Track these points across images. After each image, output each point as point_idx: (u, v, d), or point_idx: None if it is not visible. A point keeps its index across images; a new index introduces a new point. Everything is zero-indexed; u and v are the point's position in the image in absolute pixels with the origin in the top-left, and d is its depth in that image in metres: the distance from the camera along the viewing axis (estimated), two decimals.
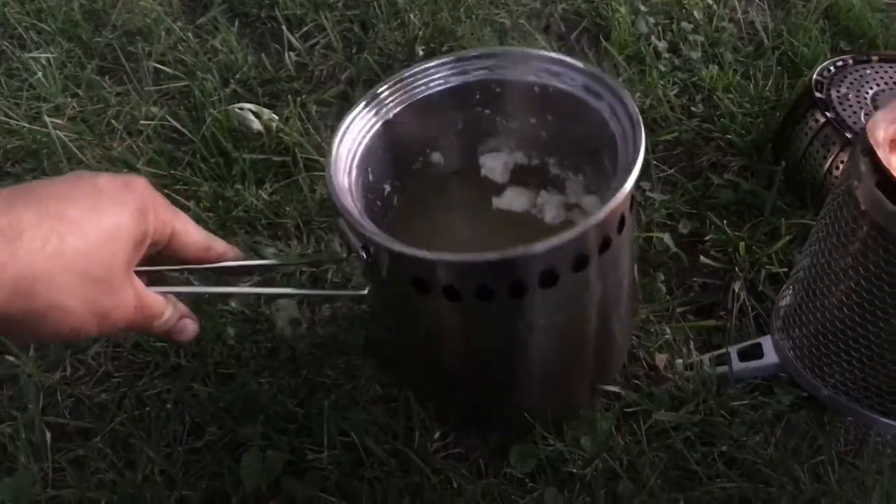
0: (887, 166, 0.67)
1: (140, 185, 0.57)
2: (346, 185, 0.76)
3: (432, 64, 0.84)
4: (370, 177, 0.81)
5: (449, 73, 0.84)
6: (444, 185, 0.92)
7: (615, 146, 0.76)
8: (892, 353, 0.77)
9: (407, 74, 0.83)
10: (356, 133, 0.80)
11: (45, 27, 1.25)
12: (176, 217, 0.61)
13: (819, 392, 0.85)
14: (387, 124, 0.82)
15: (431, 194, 0.91)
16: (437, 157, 0.90)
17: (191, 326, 0.65)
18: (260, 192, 1.05)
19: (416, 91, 0.83)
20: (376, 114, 0.81)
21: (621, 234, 0.74)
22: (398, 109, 0.83)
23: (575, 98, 0.82)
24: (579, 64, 0.81)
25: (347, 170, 0.78)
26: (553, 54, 0.85)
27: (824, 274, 0.79)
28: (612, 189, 0.70)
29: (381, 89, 0.82)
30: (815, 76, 1.03)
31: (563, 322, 0.77)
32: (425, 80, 0.84)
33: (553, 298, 0.72)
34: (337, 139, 0.78)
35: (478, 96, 0.86)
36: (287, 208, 1.04)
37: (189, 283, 0.80)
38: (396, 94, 0.83)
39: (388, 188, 0.86)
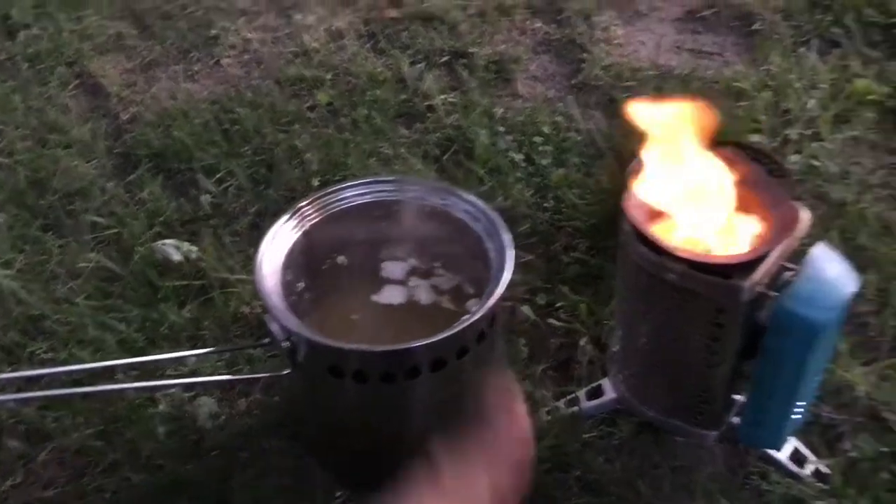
0: (636, 219, 0.88)
1: None
2: (272, 285, 0.95)
3: (345, 185, 1.06)
4: (288, 276, 1.01)
5: (358, 193, 1.06)
6: (350, 283, 1.11)
7: (488, 259, 0.97)
8: (693, 376, 0.95)
9: (328, 191, 1.04)
10: (280, 241, 1.00)
11: None
12: None
13: (647, 415, 1.03)
14: (305, 233, 1.02)
15: (338, 290, 1.10)
16: (342, 259, 1.10)
17: None
18: (182, 311, 1.23)
19: (334, 206, 1.05)
20: (297, 225, 1.02)
21: (493, 328, 0.95)
22: (316, 221, 1.03)
23: (458, 219, 1.04)
24: (463, 193, 1.03)
25: (272, 272, 0.97)
26: (441, 184, 1.08)
27: (630, 319, 0.99)
28: (486, 295, 0.91)
29: (302, 204, 1.02)
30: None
31: (446, 397, 0.96)
32: (343, 196, 1.05)
33: (440, 380, 0.92)
34: (264, 247, 0.97)
35: (380, 213, 1.07)
36: (206, 322, 1.22)
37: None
38: (317, 208, 1.03)
39: (301, 285, 1.05)
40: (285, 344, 0.90)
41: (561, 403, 1.09)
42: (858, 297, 1.17)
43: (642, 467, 1.02)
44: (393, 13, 1.83)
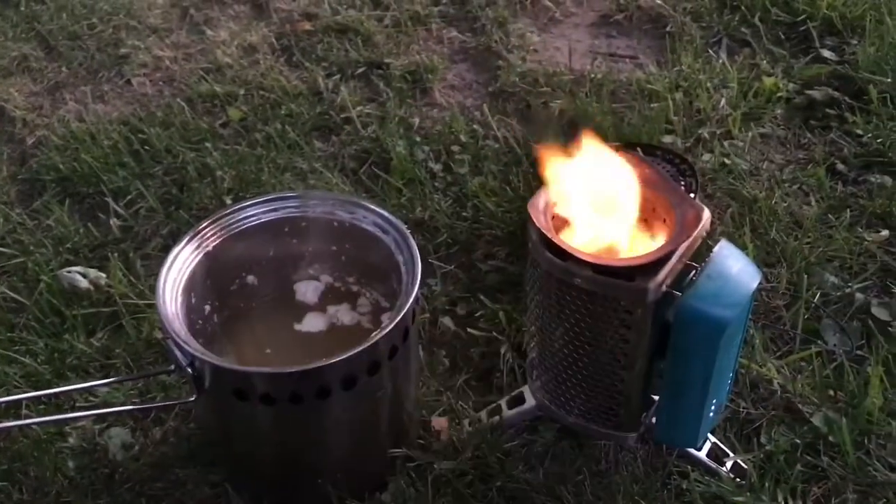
0: (540, 226, 0.88)
1: None
2: (174, 310, 0.92)
3: (247, 203, 1.03)
4: (193, 300, 0.98)
5: (264, 210, 1.04)
6: (260, 304, 1.08)
7: (400, 272, 0.96)
8: (608, 379, 0.95)
9: (227, 212, 1.01)
10: (181, 264, 0.97)
11: None
12: None
13: (567, 421, 1.02)
14: (207, 255, 0.99)
15: (248, 312, 1.07)
16: (251, 279, 1.07)
17: None
18: (91, 340, 1.19)
19: (233, 226, 1.02)
20: (198, 247, 0.99)
21: (406, 342, 0.93)
22: (217, 242, 1.00)
23: (367, 232, 1.02)
24: (370, 205, 1.02)
25: (174, 297, 0.94)
26: (349, 197, 1.06)
27: (544, 325, 0.98)
28: (397, 308, 0.89)
29: (202, 226, 1.00)
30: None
31: (361, 415, 0.94)
32: (243, 216, 1.02)
33: (353, 397, 0.90)
34: (164, 271, 0.94)
35: (287, 230, 1.05)
36: (117, 350, 1.18)
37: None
38: (216, 230, 1.01)
39: (208, 308, 1.02)
40: (188, 370, 0.87)
41: (483, 414, 1.08)
42: (771, 291, 1.21)
43: (564, 473, 1.02)
44: (307, 26, 1.81)
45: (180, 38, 1.83)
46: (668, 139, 1.45)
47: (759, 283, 0.87)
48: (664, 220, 0.92)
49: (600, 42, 1.80)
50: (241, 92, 1.63)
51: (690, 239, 0.87)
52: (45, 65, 1.77)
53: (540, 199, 0.92)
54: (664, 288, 0.85)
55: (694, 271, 0.88)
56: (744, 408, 1.08)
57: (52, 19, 1.88)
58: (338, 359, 0.84)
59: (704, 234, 0.90)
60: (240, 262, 1.03)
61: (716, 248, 0.88)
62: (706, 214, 0.89)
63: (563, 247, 0.87)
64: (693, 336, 0.86)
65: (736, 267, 0.87)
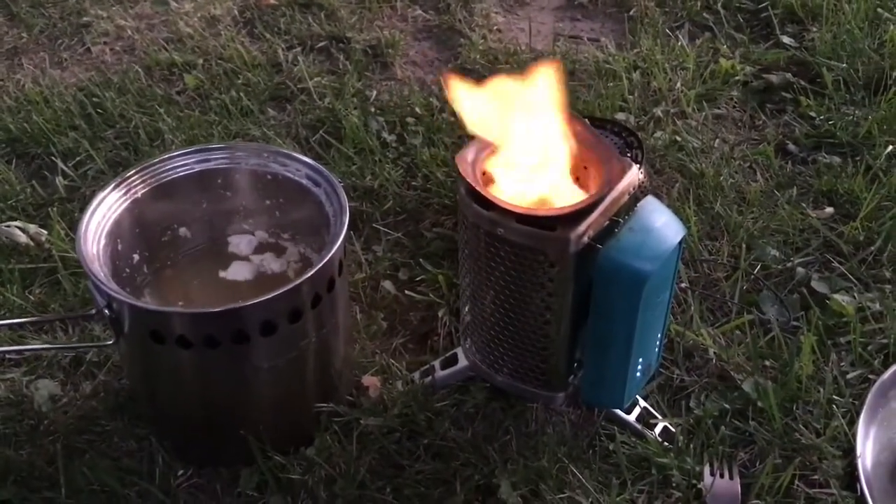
0: (467, 176, 0.88)
1: None
2: (95, 252, 0.91)
3: (177, 153, 1.02)
4: (119, 247, 0.96)
5: (193, 161, 1.02)
6: (192, 256, 1.07)
7: (329, 224, 0.95)
8: (534, 337, 0.94)
9: (154, 161, 1.00)
10: (105, 209, 0.96)
11: None
12: None
13: (497, 381, 1.02)
14: (135, 202, 0.98)
15: (178, 263, 1.07)
16: (183, 231, 1.06)
17: None
18: (27, 294, 1.18)
19: (162, 175, 1.01)
20: (125, 193, 0.98)
21: (332, 292, 0.92)
22: (146, 190, 0.99)
23: (300, 185, 1.01)
24: (303, 157, 1.01)
25: (96, 240, 0.93)
26: (282, 149, 1.05)
27: (475, 284, 0.97)
28: (320, 256, 0.88)
29: (129, 173, 0.98)
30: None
31: (284, 364, 0.93)
32: (171, 166, 1.01)
33: (273, 345, 0.89)
34: (87, 214, 0.93)
35: (220, 181, 1.04)
36: (52, 306, 1.17)
37: None
38: (144, 178, 0.99)
39: (136, 257, 1.01)
40: (105, 311, 0.86)
41: (416, 374, 1.08)
42: (712, 263, 1.21)
43: (492, 433, 1.01)
44: (272, 1, 1.80)
45: (144, 9, 1.83)
46: (621, 116, 1.45)
47: (683, 238, 0.87)
48: (593, 176, 0.92)
49: (564, 25, 1.80)
50: (200, 61, 1.63)
51: (615, 192, 0.87)
52: (6, 31, 1.76)
53: (469, 152, 0.92)
54: (586, 239, 0.85)
55: (618, 226, 0.87)
56: (677, 375, 1.07)
57: None
58: (254, 301, 0.83)
59: (632, 190, 0.90)
60: (171, 214, 1.02)
61: (640, 203, 0.88)
62: (633, 169, 0.89)
63: (488, 197, 0.87)
64: (614, 289, 0.85)
65: (660, 221, 0.87)
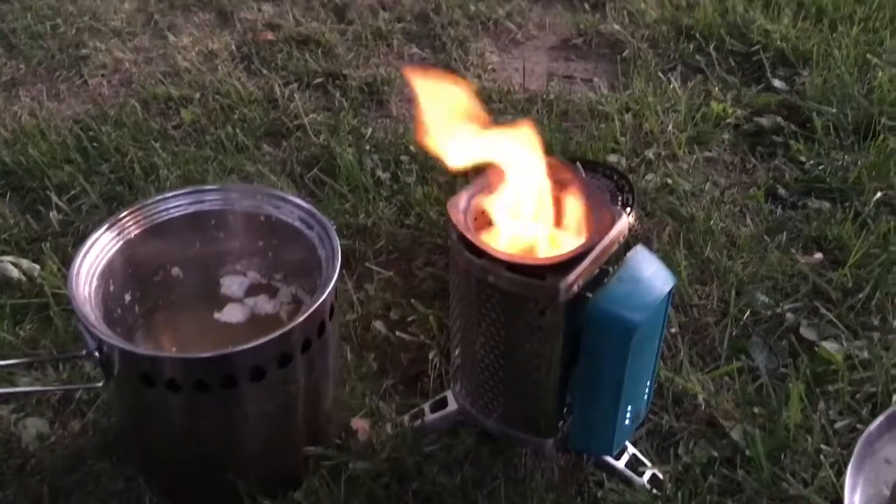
0: (458, 224, 0.88)
1: None
2: (87, 294, 0.91)
3: (171, 194, 1.02)
4: (111, 287, 0.97)
5: (187, 202, 1.03)
6: (184, 297, 1.08)
7: (322, 266, 0.96)
8: (524, 383, 0.95)
9: (148, 202, 1.01)
10: (98, 250, 0.96)
11: None
12: None
13: (487, 425, 1.02)
14: (128, 243, 0.98)
15: (171, 304, 1.07)
16: (176, 271, 1.06)
17: None
18: (18, 330, 1.18)
19: (155, 216, 1.01)
20: (118, 234, 0.98)
21: (323, 337, 0.92)
22: (138, 231, 1.00)
23: (293, 227, 1.02)
24: (296, 199, 1.02)
25: (89, 281, 0.93)
26: (276, 191, 1.06)
27: (466, 328, 0.98)
28: (312, 300, 0.89)
29: (122, 214, 0.99)
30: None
31: (273, 408, 0.93)
32: (165, 207, 1.02)
33: (263, 389, 0.89)
34: (80, 255, 0.93)
35: (213, 222, 1.04)
36: (43, 342, 1.17)
37: None
38: (137, 218, 1.00)
39: (128, 297, 1.01)
40: (95, 353, 0.86)
41: (405, 417, 1.08)
42: (701, 307, 1.22)
43: (481, 478, 1.01)
44: (269, 36, 1.82)
45: (143, 42, 1.84)
46: (613, 158, 1.47)
47: (673, 288, 0.88)
48: (583, 225, 0.92)
49: (558, 65, 1.82)
50: (197, 96, 1.64)
51: (605, 242, 0.87)
52: (4, 62, 1.77)
53: (461, 199, 0.92)
54: (576, 289, 0.85)
55: (608, 275, 0.88)
56: (667, 421, 1.08)
57: (17, 18, 1.89)
58: (245, 347, 0.83)
59: (622, 238, 0.90)
60: (163, 254, 1.03)
61: (630, 252, 0.88)
62: (623, 218, 0.90)
63: (479, 244, 0.87)
64: (603, 338, 0.86)
65: (649, 271, 0.87)
